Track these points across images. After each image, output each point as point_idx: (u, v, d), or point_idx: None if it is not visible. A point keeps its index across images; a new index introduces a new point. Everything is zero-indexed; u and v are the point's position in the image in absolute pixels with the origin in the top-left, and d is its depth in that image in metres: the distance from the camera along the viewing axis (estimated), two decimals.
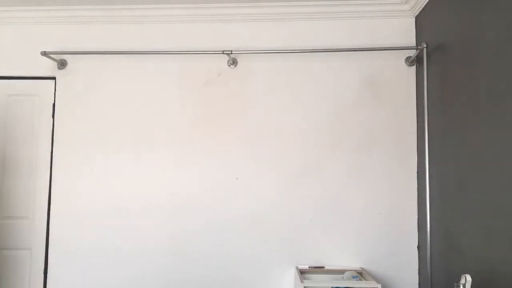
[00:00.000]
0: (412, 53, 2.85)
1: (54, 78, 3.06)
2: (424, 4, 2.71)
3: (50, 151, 3.00)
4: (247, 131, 2.94)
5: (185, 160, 2.94)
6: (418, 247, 2.80)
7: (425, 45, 2.58)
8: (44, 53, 2.90)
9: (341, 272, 2.74)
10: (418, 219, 2.81)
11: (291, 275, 2.84)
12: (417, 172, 2.83)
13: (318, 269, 2.79)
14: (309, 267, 2.81)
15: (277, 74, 2.96)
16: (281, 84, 2.95)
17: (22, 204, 2.97)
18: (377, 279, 2.58)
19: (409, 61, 2.88)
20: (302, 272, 2.73)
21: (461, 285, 1.65)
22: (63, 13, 3.02)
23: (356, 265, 2.81)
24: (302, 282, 2.45)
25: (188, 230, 2.89)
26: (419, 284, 2.78)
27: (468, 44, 2.12)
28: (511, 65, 1.72)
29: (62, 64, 3.03)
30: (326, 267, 2.80)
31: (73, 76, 3.04)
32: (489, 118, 1.89)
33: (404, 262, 2.81)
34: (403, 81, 2.90)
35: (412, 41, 2.90)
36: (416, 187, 2.83)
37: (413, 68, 2.90)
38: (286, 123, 2.92)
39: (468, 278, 1.65)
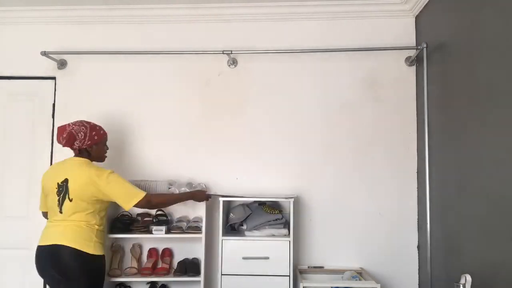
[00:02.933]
0: (412, 53, 2.85)
1: (54, 78, 3.05)
2: (424, 4, 2.71)
3: (50, 151, 3.00)
4: (247, 131, 2.94)
5: (185, 160, 2.93)
6: (418, 247, 2.79)
7: (425, 45, 2.58)
8: (44, 53, 2.90)
9: (341, 272, 2.73)
10: (418, 219, 2.81)
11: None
12: (417, 172, 2.83)
13: (318, 269, 2.79)
14: (308, 267, 2.81)
15: (277, 74, 2.96)
16: (281, 84, 2.95)
17: (22, 204, 2.97)
18: (377, 279, 2.58)
19: (409, 61, 2.87)
20: (301, 272, 2.73)
21: (461, 285, 1.65)
22: (63, 13, 3.02)
23: (355, 265, 2.81)
24: (301, 282, 2.45)
25: None
26: (419, 284, 2.78)
27: (468, 44, 2.12)
28: (511, 65, 1.72)
29: (62, 64, 3.03)
30: (326, 267, 2.80)
31: (73, 76, 3.04)
32: (489, 118, 1.89)
33: (404, 262, 2.80)
34: (403, 81, 2.90)
35: (412, 41, 2.90)
36: (416, 187, 2.83)
37: (413, 68, 2.90)
38: (286, 123, 2.92)
39: (468, 278, 1.65)
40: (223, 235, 2.60)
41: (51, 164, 2.98)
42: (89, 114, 2.99)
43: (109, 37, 3.04)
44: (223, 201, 2.64)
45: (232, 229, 2.76)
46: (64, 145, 2.38)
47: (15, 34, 3.08)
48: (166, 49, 2.97)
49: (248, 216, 2.71)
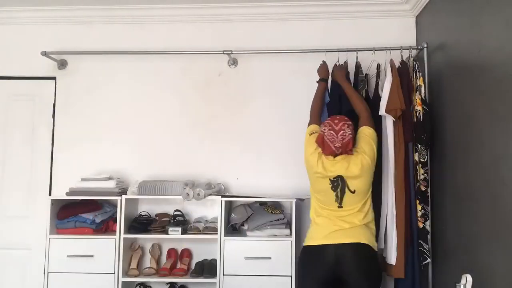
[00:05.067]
0: (413, 53, 2.84)
1: (54, 78, 3.05)
2: (425, 4, 2.71)
3: (50, 151, 3.00)
4: (247, 131, 2.93)
5: (185, 160, 2.93)
6: None
7: (425, 45, 2.57)
8: (44, 53, 2.89)
9: None
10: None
11: None
12: None
13: None
14: None
15: (277, 74, 2.96)
16: (281, 84, 2.95)
17: (22, 204, 2.97)
18: None
19: (410, 61, 2.86)
20: None
21: (461, 285, 1.64)
22: (63, 13, 3.01)
23: None
24: None
25: None
26: (419, 285, 2.77)
27: (468, 44, 2.12)
28: (511, 65, 1.72)
29: (62, 64, 3.03)
30: None
31: (73, 76, 3.04)
32: (490, 118, 1.89)
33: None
34: None
35: (413, 41, 2.89)
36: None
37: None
38: (286, 123, 2.91)
39: (469, 278, 1.64)
40: (224, 235, 2.60)
41: (51, 164, 2.98)
42: (88, 114, 3.00)
43: (109, 37, 3.04)
44: (225, 202, 2.63)
45: (233, 229, 2.76)
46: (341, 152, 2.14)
47: (15, 34, 3.08)
48: (166, 49, 2.96)
49: (250, 216, 2.70)
